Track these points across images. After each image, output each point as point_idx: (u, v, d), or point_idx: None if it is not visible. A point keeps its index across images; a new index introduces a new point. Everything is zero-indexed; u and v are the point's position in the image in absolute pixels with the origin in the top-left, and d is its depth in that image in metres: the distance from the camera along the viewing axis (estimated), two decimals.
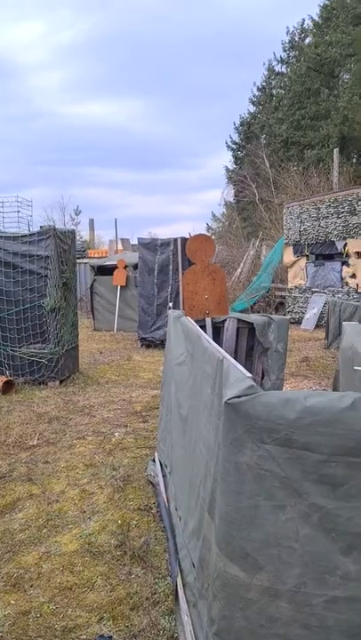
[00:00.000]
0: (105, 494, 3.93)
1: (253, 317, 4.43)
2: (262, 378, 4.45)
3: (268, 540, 1.88)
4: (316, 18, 30.29)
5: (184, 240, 10.61)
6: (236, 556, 1.92)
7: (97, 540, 3.29)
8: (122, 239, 25.86)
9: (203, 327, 4.19)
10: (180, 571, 2.82)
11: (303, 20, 32.07)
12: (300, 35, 32.50)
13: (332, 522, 1.83)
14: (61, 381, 7.59)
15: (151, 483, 4.07)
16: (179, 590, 2.69)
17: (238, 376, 2.07)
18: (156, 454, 4.43)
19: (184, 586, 2.73)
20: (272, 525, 1.88)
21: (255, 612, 1.90)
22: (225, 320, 4.40)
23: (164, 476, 3.96)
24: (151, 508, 3.68)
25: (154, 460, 4.37)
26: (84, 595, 2.76)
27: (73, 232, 8.54)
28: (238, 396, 1.90)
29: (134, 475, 4.27)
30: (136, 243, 15.99)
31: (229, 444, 1.92)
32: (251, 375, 2.12)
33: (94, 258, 21.70)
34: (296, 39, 32.72)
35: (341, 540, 1.83)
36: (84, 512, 3.66)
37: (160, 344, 10.69)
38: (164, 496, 3.68)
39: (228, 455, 1.93)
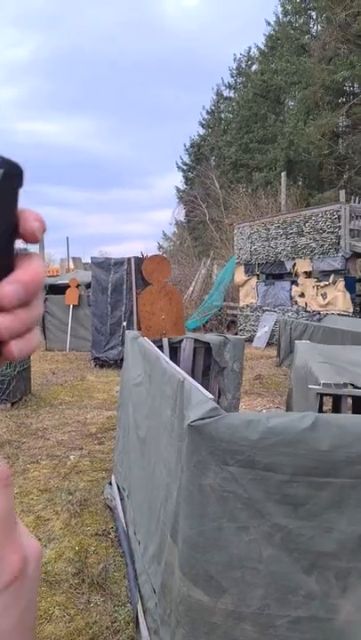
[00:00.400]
0: (61, 520, 3.83)
1: (209, 337, 4.48)
2: (218, 397, 4.49)
3: (232, 562, 1.88)
4: (262, 46, 31.51)
5: (138, 259, 10.63)
6: (200, 580, 1.91)
7: (53, 568, 3.19)
8: (73, 258, 25.63)
9: (160, 347, 4.19)
10: (141, 597, 2.78)
11: (250, 47, 33.34)
12: (247, 62, 33.70)
13: (294, 541, 1.86)
14: (13, 404, 7.38)
15: (109, 507, 4.00)
16: (139, 617, 2.65)
17: (200, 398, 2.09)
18: (113, 477, 4.37)
19: (145, 612, 2.68)
20: (235, 547, 1.89)
21: (220, 637, 1.90)
22: (182, 340, 4.42)
23: (122, 499, 3.91)
24: (109, 533, 3.62)
25: (111, 483, 4.30)
26: (41, 627, 2.66)
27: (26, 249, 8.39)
28: (202, 419, 1.91)
29: (91, 499, 4.19)
30: (88, 261, 15.88)
31: (193, 467, 1.92)
32: (213, 397, 2.14)
33: (46, 277, 21.36)
34: (243, 66, 33.89)
35: (304, 560, 1.86)
36: (40, 540, 3.55)
37: (114, 364, 10.60)
38: (123, 520, 3.62)
39: (191, 478, 1.93)
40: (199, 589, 1.92)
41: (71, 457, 5.23)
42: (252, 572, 1.87)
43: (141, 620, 2.62)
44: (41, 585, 3.02)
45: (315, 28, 29.02)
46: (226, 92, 35.78)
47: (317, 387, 3.56)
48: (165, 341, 4.28)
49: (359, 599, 1.84)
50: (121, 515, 3.70)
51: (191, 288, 21.84)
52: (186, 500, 1.96)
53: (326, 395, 3.95)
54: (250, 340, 15.44)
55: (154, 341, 4.00)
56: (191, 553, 1.93)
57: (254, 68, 32.81)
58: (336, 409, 4.06)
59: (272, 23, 30.25)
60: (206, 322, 17.61)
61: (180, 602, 1.96)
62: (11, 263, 0.37)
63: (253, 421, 1.87)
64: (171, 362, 3.07)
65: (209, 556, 1.90)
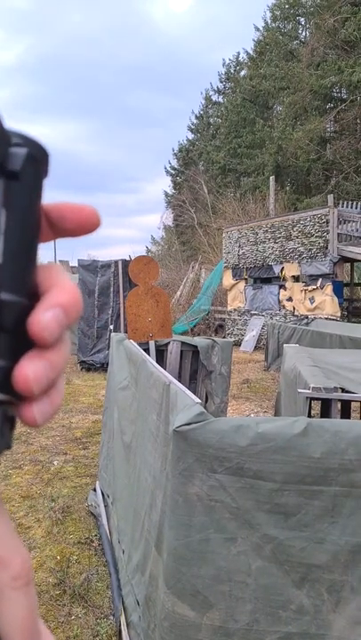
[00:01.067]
0: (43, 528, 3.70)
1: (197, 340, 4.39)
2: (206, 401, 4.40)
3: (220, 575, 1.79)
4: (251, 52, 31.64)
5: (125, 262, 10.53)
6: (186, 595, 1.81)
7: (34, 578, 3.07)
8: (61, 261, 25.44)
9: (146, 350, 4.10)
10: (124, 609, 2.67)
11: (238, 52, 33.58)
12: (236, 67, 33.85)
13: (284, 553, 1.77)
14: None
15: (92, 514, 3.89)
16: (122, 631, 2.54)
17: (187, 402, 1.99)
18: (97, 483, 4.25)
19: (128, 625, 2.58)
20: (223, 559, 1.79)
21: None
22: (169, 343, 4.33)
23: (106, 506, 3.79)
24: (92, 541, 3.50)
25: (95, 490, 4.19)
26: None
27: None
28: (188, 424, 1.82)
29: (74, 505, 4.06)
30: (75, 265, 15.72)
31: (178, 475, 1.83)
32: (200, 401, 2.05)
33: None
34: (232, 71, 34.02)
35: (295, 572, 1.77)
36: None
37: (100, 367, 10.47)
38: (107, 528, 3.51)
39: (177, 486, 1.84)
40: (185, 604, 1.82)
41: (55, 462, 5.10)
42: (240, 585, 1.78)
43: (125, 633, 2.51)
44: None
45: (303, 33, 29.23)
46: (215, 97, 35.93)
47: (307, 391, 3.48)
48: (152, 344, 4.18)
49: (352, 614, 1.75)
50: (105, 522, 3.59)
51: (179, 292, 21.77)
52: (171, 509, 1.86)
53: (315, 399, 3.88)
54: (238, 343, 15.39)
55: (140, 344, 3.90)
56: (176, 566, 1.84)
57: (243, 73, 32.95)
58: (325, 413, 3.99)
59: (261, 29, 30.40)
60: (194, 326, 17.54)
61: (165, 617, 1.86)
62: (35, 278, 0.28)
63: (242, 427, 1.78)
64: (157, 365, 2.97)
65: (195, 569, 1.81)
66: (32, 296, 0.27)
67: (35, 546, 3.46)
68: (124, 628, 2.54)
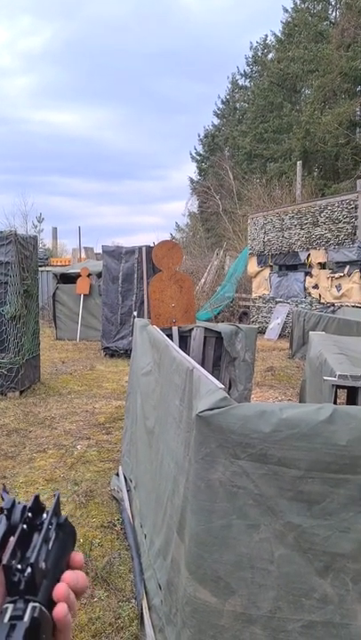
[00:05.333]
0: (66, 511, 3.74)
1: (221, 326, 4.35)
2: (229, 388, 4.36)
3: (242, 561, 1.77)
4: (279, 34, 30.97)
5: (149, 248, 10.50)
6: (208, 580, 1.80)
7: None
8: (85, 248, 25.59)
9: (169, 336, 4.07)
10: (146, 592, 2.68)
11: (266, 35, 32.77)
12: (263, 50, 33.17)
13: (308, 541, 1.74)
14: (21, 392, 7.32)
15: (115, 498, 3.91)
16: (144, 614, 2.55)
17: (210, 387, 1.96)
18: (120, 468, 4.28)
19: (150, 609, 2.59)
20: (245, 546, 1.77)
21: None
22: (192, 329, 4.30)
23: (128, 490, 3.81)
24: (115, 525, 3.52)
25: (118, 474, 4.21)
26: None
27: (35, 238, 8.31)
28: (211, 409, 1.79)
29: (97, 489, 4.09)
30: (100, 252, 15.78)
31: (201, 460, 1.81)
32: (223, 386, 2.01)
33: (57, 266, 21.34)
34: (259, 54, 33.38)
35: (318, 561, 1.74)
36: None
37: (124, 353, 10.51)
38: (129, 512, 3.53)
39: (199, 472, 1.82)
40: (206, 590, 1.81)
41: (78, 447, 5.15)
42: (262, 572, 1.76)
43: (146, 617, 2.52)
44: None
45: (333, 14, 28.44)
46: (241, 81, 35.33)
47: (333, 378, 3.42)
48: (175, 330, 4.16)
49: None
50: (127, 506, 3.61)
51: (203, 279, 21.68)
52: (193, 494, 1.85)
53: (341, 387, 3.81)
54: (262, 331, 15.27)
55: (163, 330, 3.88)
56: (198, 551, 1.82)
57: (271, 56, 32.28)
58: (351, 402, 3.91)
59: (289, 10, 29.66)
60: (218, 313, 17.46)
61: (187, 602, 1.85)
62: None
63: (266, 412, 1.75)
64: (180, 350, 2.95)
65: (217, 555, 1.79)
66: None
67: None
68: (145, 611, 2.55)
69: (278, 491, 1.75)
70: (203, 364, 4.31)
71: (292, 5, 29.50)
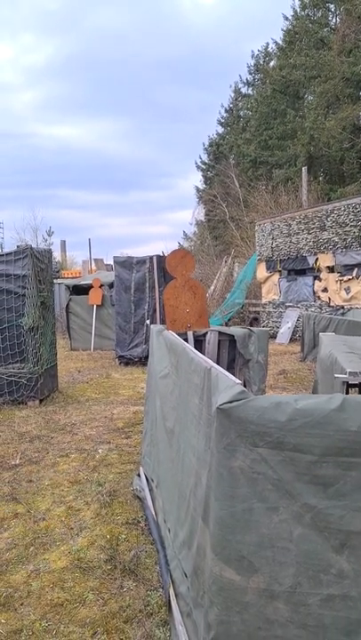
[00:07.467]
0: (92, 510, 3.91)
1: (234, 329, 4.51)
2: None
3: (263, 541, 1.91)
4: (280, 42, 31.27)
5: (159, 258, 10.70)
6: (232, 560, 1.95)
7: (86, 555, 3.27)
8: (95, 259, 25.86)
9: (185, 340, 4.24)
10: (172, 582, 2.83)
11: (267, 43, 33.14)
12: (265, 58, 33.49)
13: (324, 521, 1.88)
14: (41, 400, 7.52)
15: (138, 497, 4.07)
16: (172, 601, 2.70)
17: (228, 382, 2.12)
18: (141, 469, 4.43)
19: (176, 596, 2.73)
20: (266, 527, 1.92)
21: (253, 615, 1.93)
22: (206, 333, 4.46)
23: (150, 489, 3.97)
24: (139, 522, 3.68)
25: (139, 475, 4.37)
26: (75, 610, 2.73)
27: (50, 251, 8.55)
28: (230, 402, 1.94)
29: (120, 490, 4.26)
30: (110, 262, 16.01)
31: (223, 450, 1.96)
32: (240, 381, 2.17)
33: (68, 278, 21.63)
34: (261, 62, 33.70)
35: (334, 539, 1.88)
36: (72, 529, 3.63)
37: (138, 361, 10.69)
38: (152, 509, 3.68)
39: (221, 460, 1.97)
40: (231, 569, 1.95)
41: (99, 450, 5.32)
42: (282, 551, 1.90)
43: (174, 603, 2.67)
44: (74, 571, 3.10)
45: (333, 20, 28.69)
46: (244, 90, 35.67)
47: (344, 375, 3.56)
48: (190, 334, 4.32)
49: None
50: (150, 504, 3.76)
51: (213, 287, 21.83)
52: (216, 482, 2.00)
53: (353, 386, 3.95)
54: (273, 336, 15.38)
55: (179, 335, 4.05)
56: (222, 534, 1.97)
57: (272, 63, 32.58)
58: None
59: (290, 17, 29.99)
60: (229, 319, 17.60)
61: (213, 582, 2.00)
62: None
63: (282, 403, 1.90)
64: (197, 352, 3.11)
65: (240, 537, 1.94)
66: None
67: (85, 526, 3.66)
68: (173, 598, 2.69)
69: (295, 475, 1.89)
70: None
71: (293, 13, 29.83)
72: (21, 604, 2.80)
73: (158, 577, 2.99)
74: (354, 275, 13.39)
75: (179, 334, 4.07)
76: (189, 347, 3.30)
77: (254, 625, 1.93)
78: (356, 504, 1.87)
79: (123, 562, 3.12)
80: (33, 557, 3.28)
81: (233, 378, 2.23)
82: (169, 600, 2.70)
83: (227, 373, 2.35)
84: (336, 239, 13.98)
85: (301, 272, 15.72)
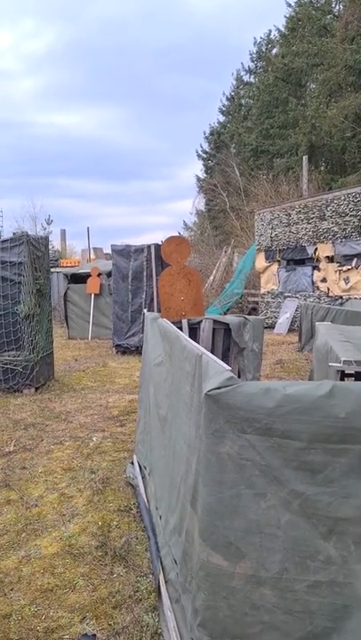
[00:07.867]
0: (84, 497, 3.91)
1: (229, 318, 4.49)
2: (238, 377, 4.50)
3: (251, 527, 1.90)
4: (283, 29, 30.93)
5: (157, 246, 10.65)
6: (219, 546, 1.94)
7: (77, 541, 3.27)
8: (95, 248, 25.79)
9: (179, 328, 4.21)
10: (162, 568, 2.83)
11: (270, 30, 32.76)
12: (267, 45, 33.13)
13: (312, 507, 1.87)
14: (37, 388, 7.51)
15: (130, 484, 4.07)
16: (161, 587, 2.70)
17: (218, 369, 2.10)
18: (134, 457, 4.43)
19: (166, 583, 2.73)
20: (254, 513, 1.91)
21: (239, 601, 1.93)
22: (201, 321, 4.44)
23: (143, 477, 3.97)
24: (131, 509, 3.68)
25: (132, 463, 4.37)
26: (65, 596, 2.74)
27: (46, 238, 8.49)
28: (218, 388, 1.93)
29: (113, 477, 4.26)
30: (109, 251, 15.96)
31: (211, 435, 1.94)
32: (230, 368, 2.15)
33: (67, 267, 21.57)
34: (263, 50, 33.34)
35: (322, 525, 1.87)
36: (64, 515, 3.64)
37: (135, 350, 10.68)
38: (144, 496, 3.68)
39: (209, 446, 1.95)
40: (218, 554, 1.95)
41: (94, 438, 5.32)
42: (270, 537, 1.89)
43: (163, 589, 2.67)
44: (65, 557, 3.10)
45: (337, 7, 28.37)
46: (246, 77, 35.34)
47: (338, 364, 3.55)
48: (185, 322, 4.30)
49: None
50: (142, 491, 3.76)
51: (212, 277, 21.79)
52: (205, 467, 1.99)
53: (349, 375, 3.93)
54: (272, 326, 15.37)
55: (173, 323, 4.03)
56: (210, 519, 1.96)
57: (275, 51, 32.25)
58: None
59: (293, 4, 29.64)
60: (227, 309, 17.58)
61: (200, 567, 2.00)
62: None
63: (270, 389, 1.88)
64: (190, 339, 3.09)
65: (228, 522, 1.93)
66: None
67: (77, 513, 3.67)
68: (162, 584, 2.70)
69: (283, 461, 1.88)
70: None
71: (296, 0, 29.46)
72: (11, 590, 2.81)
73: (149, 563, 2.99)
74: (353, 265, 13.34)
75: (173, 322, 4.04)
76: (182, 334, 3.28)
77: (241, 610, 1.93)
78: (344, 491, 1.86)
79: (114, 548, 3.13)
80: (24, 543, 3.28)
81: (223, 365, 2.21)
82: (158, 586, 2.70)
83: (218, 360, 2.33)
84: (336, 229, 13.92)
85: (300, 262, 15.67)
